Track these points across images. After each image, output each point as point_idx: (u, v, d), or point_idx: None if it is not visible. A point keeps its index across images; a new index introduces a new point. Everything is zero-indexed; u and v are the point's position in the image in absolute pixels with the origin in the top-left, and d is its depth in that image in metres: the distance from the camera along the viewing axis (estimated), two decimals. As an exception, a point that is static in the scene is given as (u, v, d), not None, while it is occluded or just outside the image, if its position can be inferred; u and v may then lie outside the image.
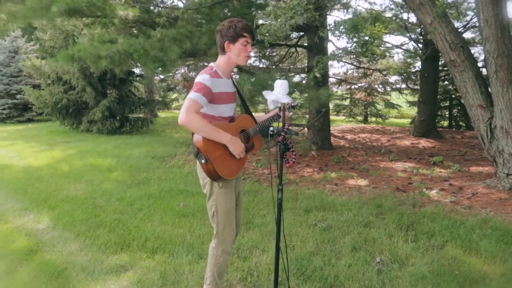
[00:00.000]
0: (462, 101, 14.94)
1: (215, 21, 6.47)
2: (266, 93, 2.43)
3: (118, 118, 12.69)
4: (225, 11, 7.58)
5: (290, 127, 2.43)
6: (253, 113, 2.74)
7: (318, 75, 6.49)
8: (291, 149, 2.42)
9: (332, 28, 6.79)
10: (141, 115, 14.70)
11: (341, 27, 7.08)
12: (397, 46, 11.03)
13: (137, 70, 15.83)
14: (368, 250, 3.48)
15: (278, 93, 2.37)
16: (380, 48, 10.30)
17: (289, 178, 6.47)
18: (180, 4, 8.87)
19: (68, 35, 11.77)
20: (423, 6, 5.69)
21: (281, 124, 2.45)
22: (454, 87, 14.50)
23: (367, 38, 6.49)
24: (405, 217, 4.29)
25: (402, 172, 6.91)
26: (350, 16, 11.09)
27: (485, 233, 3.80)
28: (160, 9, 10.06)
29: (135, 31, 8.13)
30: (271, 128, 2.45)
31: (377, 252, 3.45)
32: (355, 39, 6.36)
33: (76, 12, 6.98)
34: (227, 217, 2.50)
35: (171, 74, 16.51)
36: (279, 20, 5.01)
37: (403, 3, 9.67)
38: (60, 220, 4.43)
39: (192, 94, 2.26)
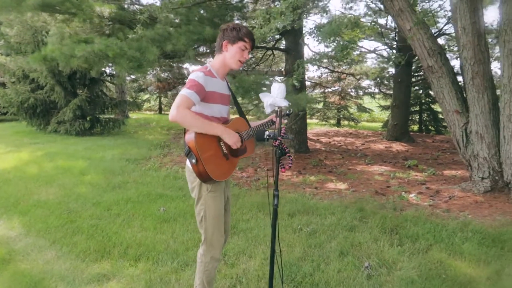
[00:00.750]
0: (432, 106, 15.50)
1: (193, 22, 6.35)
2: (263, 96, 2.37)
3: (88, 119, 12.28)
4: (201, 11, 7.48)
5: (286, 132, 2.38)
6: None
7: (296, 83, 6.47)
8: (287, 154, 2.37)
9: (314, 32, 6.79)
10: (112, 116, 14.31)
11: (321, 30, 7.12)
12: (372, 51, 11.25)
13: (108, 70, 15.46)
14: (355, 255, 3.47)
15: (276, 96, 2.31)
16: (355, 53, 10.45)
17: (269, 181, 6.41)
18: (158, 3, 8.63)
19: (37, 32, 11.27)
20: (402, 13, 5.79)
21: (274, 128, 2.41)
22: (424, 92, 14.98)
23: (346, 42, 6.54)
24: (388, 220, 4.33)
25: (379, 176, 7.01)
26: (326, 20, 11.24)
27: (467, 236, 3.88)
28: (135, 7, 9.84)
29: (107, 31, 7.88)
30: (267, 132, 2.39)
31: (365, 257, 3.44)
32: (334, 43, 6.39)
33: (50, 7, 6.69)
34: (216, 222, 2.42)
35: (143, 75, 16.16)
36: (269, 23, 4.96)
37: (379, 9, 9.87)
38: (32, 226, 4.19)
39: (184, 91, 2.18)
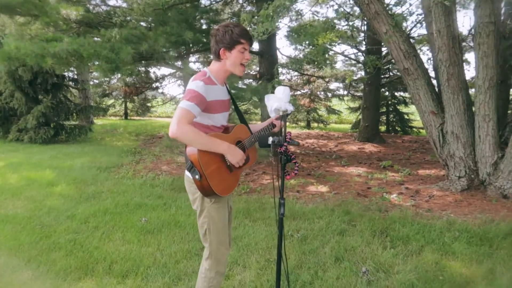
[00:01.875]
0: (398, 108, 15.92)
1: (169, 24, 6.15)
2: (267, 99, 2.26)
3: (52, 125, 11.70)
4: (171, 14, 7.29)
5: (291, 137, 2.28)
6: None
7: (276, 85, 6.43)
8: (293, 160, 2.27)
9: (292, 35, 6.76)
10: (77, 123, 13.72)
11: (300, 34, 7.11)
12: (341, 54, 11.40)
13: (70, 74, 14.83)
14: (351, 260, 3.42)
15: (281, 100, 2.21)
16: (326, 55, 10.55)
17: (250, 186, 6.31)
18: (124, 5, 8.33)
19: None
20: (378, 16, 5.86)
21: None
22: (391, 94, 15.37)
23: (326, 45, 6.55)
24: (376, 223, 4.32)
25: (357, 177, 7.05)
26: (295, 24, 11.30)
27: (455, 236, 3.92)
28: (101, 9, 9.48)
29: (72, 35, 7.52)
30: (271, 138, 2.28)
31: (360, 261, 3.40)
32: (311, 47, 6.38)
33: (10, 8, 6.30)
34: (221, 234, 2.29)
35: (112, 77, 15.62)
36: (258, 26, 4.86)
37: (348, 13, 9.99)
38: (3, 244, 3.86)
39: (184, 103, 2.03)
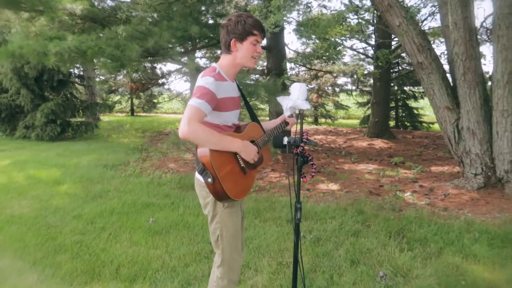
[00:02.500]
0: (407, 102, 15.67)
1: (175, 18, 6.01)
2: (281, 99, 2.12)
3: (59, 123, 11.64)
4: (177, 8, 7.12)
5: (308, 137, 2.14)
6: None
7: (287, 82, 6.30)
8: (310, 162, 2.12)
9: (301, 29, 6.59)
10: (83, 119, 13.67)
11: (310, 27, 6.94)
12: (351, 49, 11.19)
13: (77, 71, 14.77)
14: (367, 264, 3.27)
15: (297, 98, 2.06)
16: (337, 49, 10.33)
17: (259, 184, 6.17)
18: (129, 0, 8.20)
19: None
20: (391, 8, 5.67)
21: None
22: (400, 89, 15.12)
23: (337, 40, 6.38)
24: (391, 223, 4.17)
25: (369, 174, 6.89)
26: (301, 18, 11.07)
27: (475, 237, 3.76)
28: (106, 4, 9.35)
29: (77, 30, 7.39)
30: (286, 138, 2.14)
31: (377, 265, 3.25)
32: (320, 41, 6.21)
33: (14, 4, 6.18)
34: (234, 241, 2.15)
35: (117, 74, 15.53)
36: (269, 18, 4.70)
37: (357, 6, 9.77)
38: (8, 246, 3.77)
39: (194, 101, 1.89)
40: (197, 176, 2.12)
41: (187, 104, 1.93)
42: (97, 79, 18.72)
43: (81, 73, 15.03)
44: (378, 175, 6.81)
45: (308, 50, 13.97)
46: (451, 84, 5.91)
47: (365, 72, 13.76)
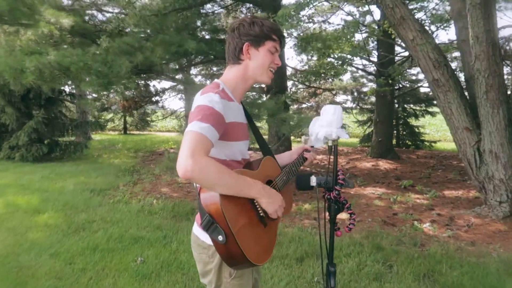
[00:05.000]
0: (408, 121, 15.27)
1: (168, 32, 5.53)
2: (312, 123, 1.60)
3: (46, 142, 11.03)
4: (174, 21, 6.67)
5: (345, 176, 1.61)
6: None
7: (289, 101, 5.82)
8: (348, 211, 1.59)
9: (301, 44, 6.14)
10: (72, 139, 13.06)
11: (307, 43, 6.49)
12: (351, 65, 10.78)
13: (68, 88, 14.23)
14: (399, 320, 2.71)
15: (331, 124, 1.54)
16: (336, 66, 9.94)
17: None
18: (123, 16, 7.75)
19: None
20: (404, 21, 5.23)
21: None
22: (401, 106, 14.73)
23: (346, 55, 5.94)
24: (416, 263, 3.62)
25: (378, 200, 6.35)
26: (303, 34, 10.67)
27: (518, 282, 3.22)
28: (98, 19, 8.90)
29: (65, 46, 6.89)
30: (315, 178, 1.62)
31: (411, 322, 2.69)
32: (328, 57, 5.76)
33: (-5, 17, 5.67)
34: None
35: (107, 92, 14.99)
36: None
37: (359, 22, 9.40)
38: (-34, 296, 3.17)
39: (196, 125, 1.35)
40: (197, 232, 1.58)
41: (185, 131, 1.38)
42: (89, 97, 18.24)
43: (73, 90, 14.50)
44: (389, 201, 6.27)
45: (306, 67, 13.66)
46: (470, 103, 5.45)
47: (364, 89, 13.36)
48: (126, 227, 4.87)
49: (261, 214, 1.50)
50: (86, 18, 8.40)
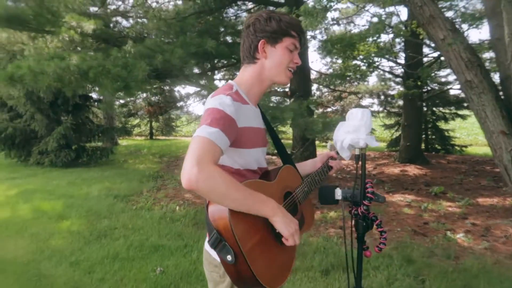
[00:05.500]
0: (438, 124, 14.74)
1: (189, 34, 5.46)
2: (337, 132, 1.44)
3: (73, 148, 11.23)
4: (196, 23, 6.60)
5: (374, 189, 1.44)
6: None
7: (312, 107, 5.65)
8: (378, 228, 1.43)
9: (326, 46, 5.97)
10: (99, 144, 13.25)
11: (332, 45, 6.31)
12: (378, 68, 10.48)
13: (95, 95, 14.50)
14: None
15: (358, 131, 1.38)
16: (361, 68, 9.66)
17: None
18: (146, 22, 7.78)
19: (14, 57, 10.31)
20: (434, 20, 4.96)
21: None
22: (430, 109, 14.25)
23: (373, 55, 5.72)
24: (450, 278, 3.38)
25: (408, 208, 6.07)
26: (326, 37, 10.49)
27: None
28: (122, 26, 8.98)
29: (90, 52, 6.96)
30: (340, 191, 1.46)
31: None
32: (360, 58, 5.56)
33: (19, 23, 5.76)
34: None
35: (132, 98, 15.17)
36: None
37: (385, 24, 9.13)
38: (-14, 305, 3.15)
39: (204, 130, 1.24)
40: (208, 248, 1.45)
41: (193, 136, 1.26)
42: (117, 103, 18.56)
43: (100, 96, 14.75)
44: (419, 209, 5.98)
45: (330, 70, 13.43)
46: (506, 105, 5.12)
47: (391, 92, 12.98)
48: (147, 235, 4.81)
49: (277, 231, 1.35)
50: (111, 24, 8.51)
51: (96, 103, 14.18)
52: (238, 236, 1.23)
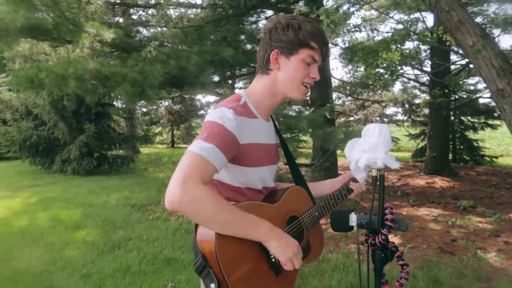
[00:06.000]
0: (466, 134, 14.21)
1: (205, 42, 5.37)
2: (351, 147, 1.27)
3: (95, 156, 11.34)
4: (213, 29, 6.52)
5: (394, 216, 1.26)
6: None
7: (328, 115, 5.45)
8: (399, 261, 1.24)
9: (347, 55, 5.77)
10: (121, 152, 13.37)
11: (354, 53, 6.10)
12: (402, 76, 10.15)
13: (117, 103, 14.70)
14: None
15: (375, 149, 1.20)
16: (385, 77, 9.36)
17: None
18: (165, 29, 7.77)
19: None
20: (462, 25, 4.71)
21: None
22: (458, 119, 13.75)
23: (396, 62, 5.50)
24: (482, 303, 3.10)
25: (434, 223, 5.76)
26: (348, 44, 10.27)
27: None
28: (142, 35, 9.04)
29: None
30: (355, 217, 1.28)
31: None
32: (382, 66, 5.34)
33: (41, 33, 5.82)
34: None
35: (154, 106, 15.29)
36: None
37: (410, 31, 8.84)
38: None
39: (198, 146, 1.13)
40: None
41: (186, 151, 1.14)
42: (138, 111, 18.80)
43: (122, 105, 14.96)
44: (446, 224, 5.66)
45: (352, 78, 13.16)
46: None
47: (417, 100, 12.57)
48: (161, 247, 4.70)
49: (273, 260, 1.20)
50: (132, 34, 8.57)
51: (119, 112, 14.39)
52: (223, 264, 1.10)
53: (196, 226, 1.21)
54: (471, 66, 9.39)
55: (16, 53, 10.85)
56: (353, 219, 1.28)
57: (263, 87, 1.37)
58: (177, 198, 1.03)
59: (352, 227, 1.30)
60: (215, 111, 1.24)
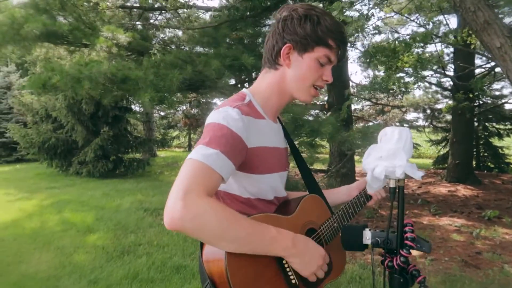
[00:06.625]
0: (491, 141, 13.71)
1: (222, 44, 5.26)
2: (368, 153, 1.10)
3: (111, 159, 11.38)
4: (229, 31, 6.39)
5: (416, 235, 1.09)
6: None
7: (345, 115, 5.26)
8: (421, 286, 1.06)
9: (366, 58, 5.58)
10: (137, 156, 13.39)
11: (373, 55, 5.90)
12: (424, 80, 9.81)
13: (135, 107, 14.78)
14: None
15: (394, 156, 1.03)
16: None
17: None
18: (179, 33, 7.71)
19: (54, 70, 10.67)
20: (489, 26, 4.46)
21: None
22: (482, 125, 13.30)
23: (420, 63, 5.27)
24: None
25: (457, 234, 5.48)
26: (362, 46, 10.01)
27: None
28: (159, 39, 9.02)
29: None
30: (370, 234, 1.11)
31: None
32: (405, 70, 5.13)
33: (56, 37, 5.82)
34: None
35: (172, 110, 15.33)
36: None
37: (434, 34, 8.56)
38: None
39: (200, 152, 0.98)
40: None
41: (187, 158, 0.99)
42: (156, 115, 18.87)
43: (140, 109, 15.04)
44: (470, 235, 5.37)
45: (372, 83, 12.81)
46: None
47: (439, 106, 12.19)
48: (171, 253, 4.58)
49: (293, 281, 1.04)
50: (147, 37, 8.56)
51: (138, 115, 14.45)
52: (234, 285, 0.94)
53: (202, 245, 1.06)
54: (497, 69, 9.03)
55: (37, 57, 11.04)
56: (367, 236, 1.11)
57: (269, 83, 1.22)
58: (178, 214, 0.89)
59: (366, 246, 1.13)
60: (217, 111, 1.09)
